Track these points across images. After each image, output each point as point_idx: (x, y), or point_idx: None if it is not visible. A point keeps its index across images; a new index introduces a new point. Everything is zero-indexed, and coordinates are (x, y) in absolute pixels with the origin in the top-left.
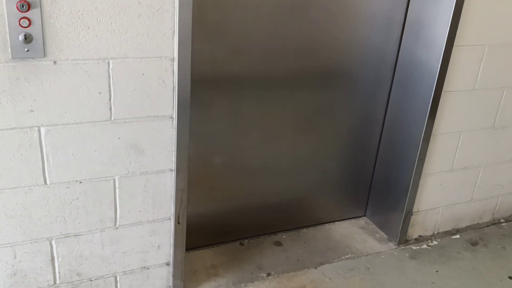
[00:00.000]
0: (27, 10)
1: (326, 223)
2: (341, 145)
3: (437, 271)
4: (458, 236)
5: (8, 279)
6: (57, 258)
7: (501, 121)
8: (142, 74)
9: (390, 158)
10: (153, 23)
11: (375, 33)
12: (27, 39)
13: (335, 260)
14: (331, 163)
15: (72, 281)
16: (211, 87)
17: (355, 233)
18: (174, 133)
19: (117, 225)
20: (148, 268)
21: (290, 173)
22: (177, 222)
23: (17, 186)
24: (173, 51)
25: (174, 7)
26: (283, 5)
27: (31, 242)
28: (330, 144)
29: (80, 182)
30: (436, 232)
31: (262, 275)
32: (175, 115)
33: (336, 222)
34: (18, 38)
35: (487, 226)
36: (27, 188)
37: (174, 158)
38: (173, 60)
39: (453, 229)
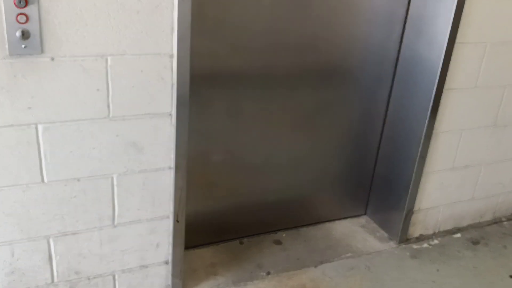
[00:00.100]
0: (25, 6)
1: (326, 221)
2: (341, 142)
3: (437, 270)
4: (459, 235)
5: (6, 277)
6: (55, 256)
7: (502, 119)
8: (140, 71)
9: (391, 156)
10: (152, 19)
11: (377, 30)
12: (25, 35)
13: (335, 259)
14: (331, 161)
15: (70, 280)
16: (210, 84)
17: (356, 231)
18: (173, 130)
19: (116, 223)
20: (147, 267)
21: (290, 171)
22: (176, 220)
23: (15, 184)
24: (172, 47)
25: (173, 4)
26: (284, 0)
27: (29, 240)
28: (331, 142)
29: (78, 180)
30: (437, 231)
31: (261, 273)
32: (174, 112)
33: (336, 221)
34: (16, 34)
35: (488, 225)
36: (25, 186)
37: (173, 156)
38: (172, 57)
39: (454, 228)
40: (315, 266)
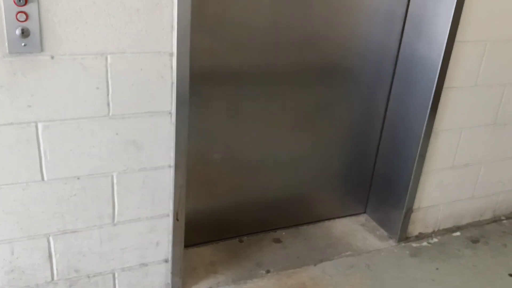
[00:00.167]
0: (25, 4)
1: (326, 220)
2: (341, 141)
3: (437, 269)
4: (458, 233)
5: (5, 276)
6: (55, 254)
7: (502, 118)
8: (140, 69)
9: (391, 155)
10: (151, 17)
11: (377, 28)
12: (24, 33)
13: (335, 257)
14: (331, 159)
15: (70, 278)
16: (210, 82)
17: (355, 230)
18: (173, 128)
19: (116, 221)
20: (147, 265)
21: (290, 169)
22: (176, 218)
23: (15, 182)
24: (172, 46)
25: (173, 2)
26: None
27: (28, 239)
28: (330, 140)
29: (78, 178)
30: (436, 229)
31: (261, 272)
32: (173, 111)
33: (336, 219)
34: (15, 32)
35: (488, 223)
36: (25, 184)
37: (172, 154)
38: (172, 55)
39: (453, 226)
40: (315, 265)
